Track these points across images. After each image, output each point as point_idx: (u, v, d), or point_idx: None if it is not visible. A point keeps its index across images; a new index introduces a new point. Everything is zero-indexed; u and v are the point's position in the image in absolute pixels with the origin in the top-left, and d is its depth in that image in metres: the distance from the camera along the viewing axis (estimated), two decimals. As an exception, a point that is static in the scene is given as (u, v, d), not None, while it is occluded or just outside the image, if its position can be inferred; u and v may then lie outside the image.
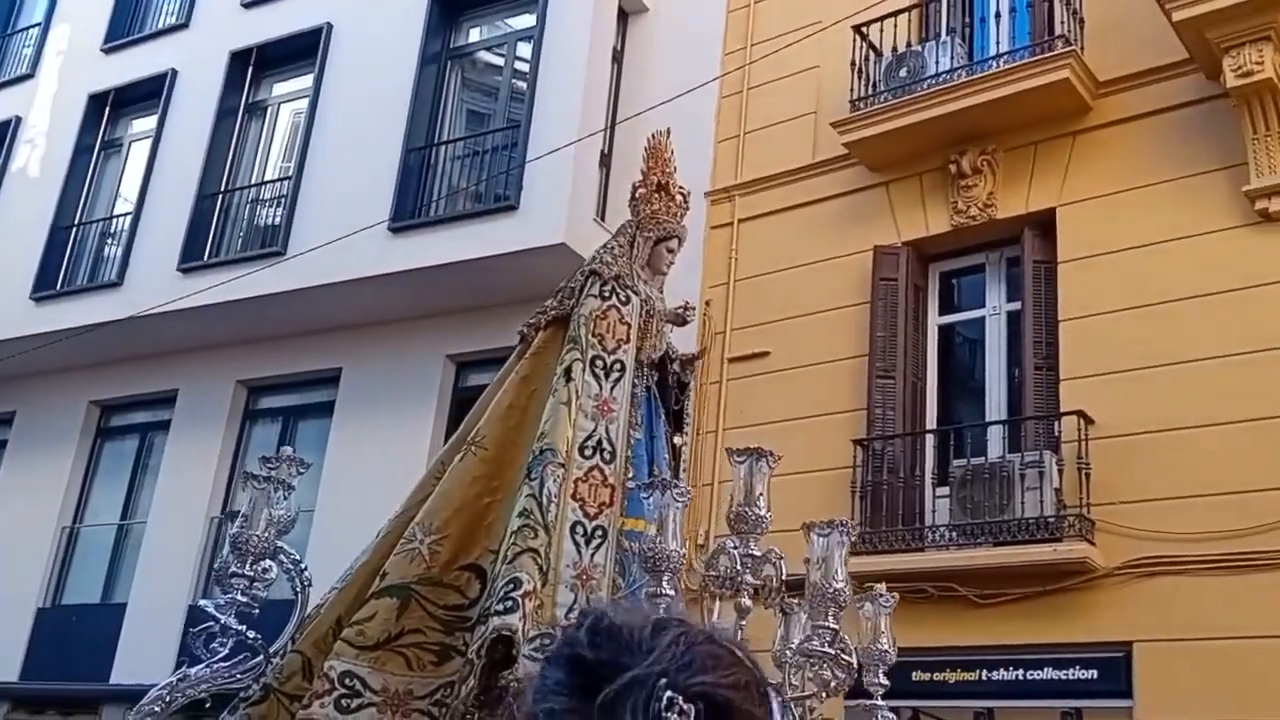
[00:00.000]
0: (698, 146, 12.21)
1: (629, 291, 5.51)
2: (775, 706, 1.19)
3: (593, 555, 4.89)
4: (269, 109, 15.08)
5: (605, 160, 12.50)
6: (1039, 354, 9.78)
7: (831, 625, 4.59)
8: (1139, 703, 8.43)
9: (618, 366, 5.32)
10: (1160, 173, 9.54)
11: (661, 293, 5.86)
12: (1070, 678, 8.79)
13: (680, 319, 5.95)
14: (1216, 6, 8.72)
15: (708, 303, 11.70)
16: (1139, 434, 8.97)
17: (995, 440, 9.92)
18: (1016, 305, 10.24)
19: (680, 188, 5.88)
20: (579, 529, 4.91)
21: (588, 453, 5.08)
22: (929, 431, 10.33)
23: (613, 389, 5.26)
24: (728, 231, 11.84)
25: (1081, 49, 9.96)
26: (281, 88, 15.08)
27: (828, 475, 10.02)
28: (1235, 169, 9.17)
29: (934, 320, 10.85)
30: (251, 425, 14.17)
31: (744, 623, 4.43)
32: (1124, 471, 8.87)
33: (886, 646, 4.99)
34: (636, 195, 5.86)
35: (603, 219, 12.40)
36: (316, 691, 4.67)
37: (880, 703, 5.01)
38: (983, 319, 10.68)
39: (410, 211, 12.61)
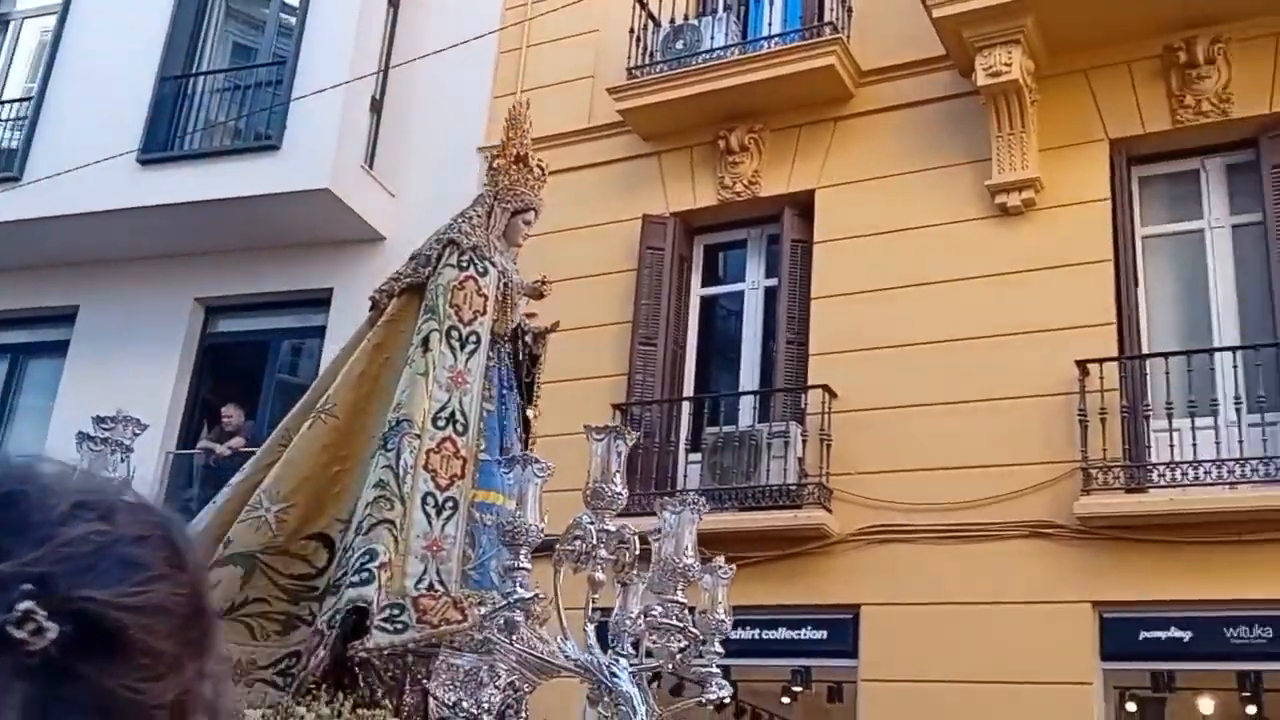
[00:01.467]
0: (474, 101, 12.04)
1: (487, 263, 5.45)
2: (214, 650, 0.87)
3: (443, 526, 4.82)
4: (12, 23, 13.99)
5: (376, 106, 12.16)
6: (791, 329, 10.16)
7: (680, 599, 4.68)
8: (863, 661, 8.94)
9: (473, 338, 5.25)
10: (912, 162, 10.03)
11: (516, 264, 5.80)
12: (802, 638, 9.22)
13: (537, 292, 5.91)
14: (972, 7, 9.21)
15: (475, 260, 11.61)
16: (878, 409, 9.45)
17: (747, 410, 10.26)
18: (774, 281, 10.59)
19: (539, 161, 5.83)
20: (430, 500, 4.83)
21: (440, 424, 5.00)
22: (685, 399, 10.58)
23: (467, 361, 5.19)
24: (499, 189, 11.73)
25: (848, 37, 10.34)
26: (27, 1, 14.01)
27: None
28: (980, 164, 9.74)
29: (696, 291, 11.10)
30: (-26, 362, 13.15)
31: (596, 596, 4.48)
32: (862, 443, 9.33)
33: (723, 616, 5.06)
34: (495, 166, 5.78)
35: (370, 166, 12.07)
36: None
37: (715, 670, 5.01)
38: (742, 293, 10.99)
39: (162, 144, 11.93)
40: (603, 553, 4.46)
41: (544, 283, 5.92)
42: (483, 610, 4.60)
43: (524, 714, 4.93)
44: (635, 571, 4.72)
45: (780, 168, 10.59)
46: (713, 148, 10.81)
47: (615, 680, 4.24)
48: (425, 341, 5.10)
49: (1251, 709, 10.80)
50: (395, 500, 4.64)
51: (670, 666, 4.80)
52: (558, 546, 4.54)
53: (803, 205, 10.44)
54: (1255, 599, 8.00)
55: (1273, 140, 8.99)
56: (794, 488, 9.31)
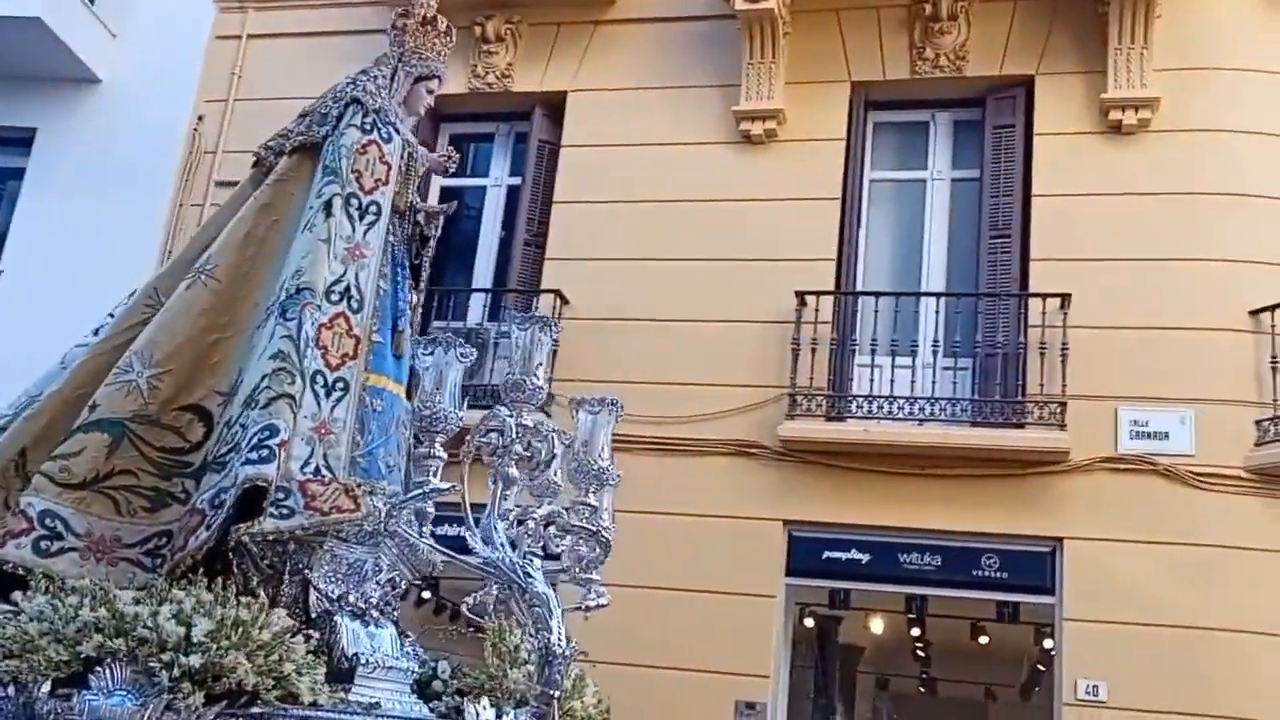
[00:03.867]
0: (214, -54, 11.17)
1: (391, 129, 4.99)
2: None
3: (332, 409, 4.44)
4: None
5: (105, -65, 11.09)
6: (530, 231, 10.06)
7: (592, 502, 4.50)
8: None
9: (374, 208, 4.81)
10: (666, 77, 10.04)
11: (416, 134, 5.35)
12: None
13: (442, 167, 5.51)
14: (738, -70, 9.25)
15: (201, 118, 10.86)
16: (607, 319, 9.51)
17: (477, 307, 10.12)
18: (518, 180, 10.43)
19: (447, 24, 5.36)
20: (320, 379, 4.43)
21: (334, 298, 4.57)
22: (415, 289, 10.31)
23: (366, 233, 4.75)
24: (234, 45, 11.00)
25: (616, -60, 10.18)
26: None
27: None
28: (730, 89, 9.85)
29: (437, 182, 10.78)
30: None
31: (509, 493, 4.31)
32: (589, 351, 9.38)
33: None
34: (399, 26, 5.28)
35: (93, 2, 11.03)
36: (10, 530, 4.08)
37: (592, 504, 4.64)
38: (485, 188, 10.78)
39: None
40: (518, 448, 4.29)
41: (449, 158, 5.52)
42: (374, 499, 4.34)
43: (396, 611, 4.70)
44: (553, 471, 4.51)
45: (535, 65, 10.38)
46: (468, 34, 10.44)
47: (530, 580, 4.06)
48: (328, 206, 4.67)
49: (915, 630, 11.81)
50: (296, 374, 4.26)
51: (575, 571, 4.57)
52: (470, 439, 4.30)
53: (554, 106, 10.29)
54: (928, 528, 8.63)
55: (998, 102, 9.52)
56: (515, 389, 9.27)
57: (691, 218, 9.67)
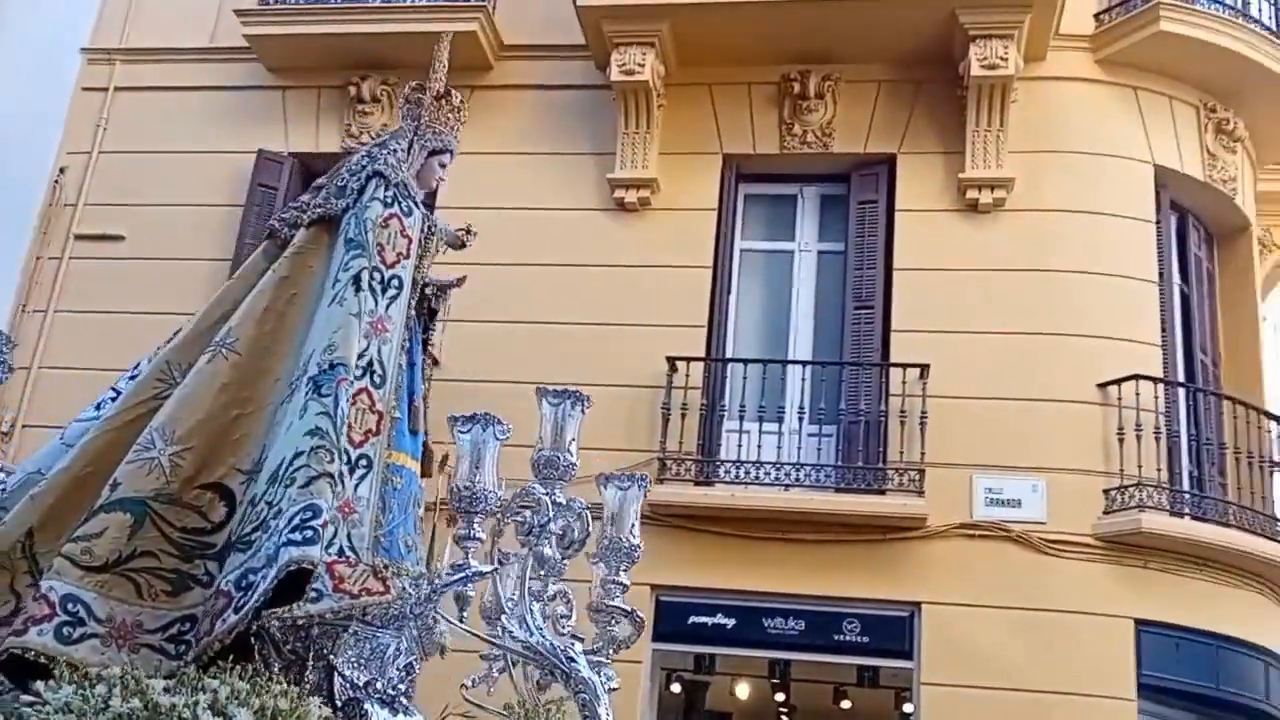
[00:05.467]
0: (81, -4, 10.98)
1: (411, 202, 4.89)
2: None
3: (356, 486, 4.27)
4: None
5: (-36, -20, 10.80)
6: (401, 291, 9.99)
7: (624, 580, 4.40)
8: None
9: (395, 282, 4.70)
10: (542, 144, 10.15)
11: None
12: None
13: (460, 242, 5.33)
14: (614, 2, 9.45)
15: (63, 169, 10.58)
16: (477, 381, 9.42)
17: (345, 367, 9.98)
18: (390, 240, 10.35)
19: (461, 99, 5.30)
20: (344, 456, 4.26)
21: (357, 373, 4.42)
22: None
23: (388, 307, 4.63)
24: (101, 97, 10.78)
25: (494, 8, 10.30)
26: None
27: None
28: (605, 157, 10.00)
29: (308, 239, 10.67)
30: None
31: (544, 573, 4.20)
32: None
33: (637, 541, 4.55)
34: (413, 100, 5.20)
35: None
36: (33, 615, 3.84)
37: (624, 582, 4.54)
38: (356, 247, 10.68)
39: None
40: (553, 527, 4.17)
41: (468, 232, 5.37)
42: (400, 580, 4.17)
43: (414, 694, 4.52)
44: (586, 550, 4.39)
45: (410, 126, 10.36)
46: (343, 93, 10.45)
47: (573, 665, 3.97)
48: (356, 280, 4.55)
49: (780, 695, 11.87)
50: (335, 453, 4.10)
51: (609, 652, 4.43)
52: (502, 517, 4.18)
53: (428, 169, 10.28)
54: (792, 593, 8.73)
55: (862, 178, 9.84)
56: (381, 451, 9.15)
57: (565, 282, 9.74)
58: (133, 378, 4.72)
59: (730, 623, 8.85)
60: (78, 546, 4.03)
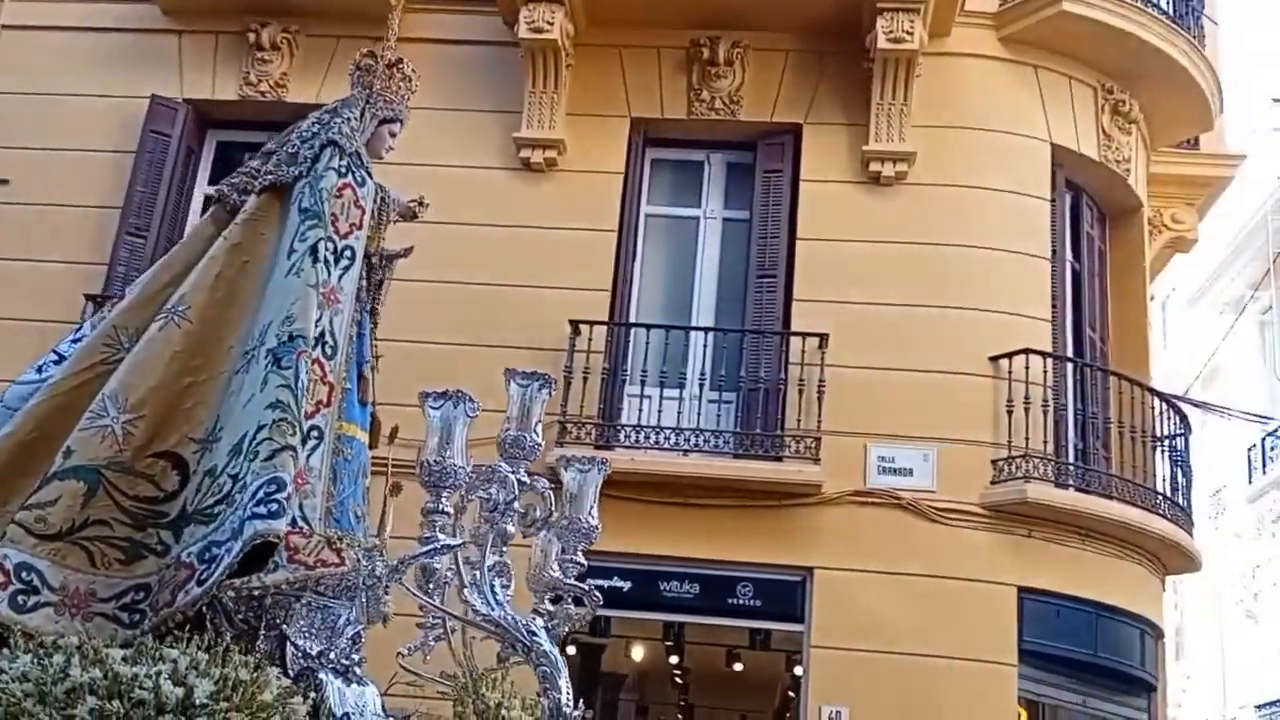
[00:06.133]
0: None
1: (364, 173, 4.85)
2: None
3: (308, 458, 4.23)
4: None
5: None
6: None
7: (581, 560, 4.48)
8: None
9: (348, 253, 4.66)
10: (447, 99, 9.91)
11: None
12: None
13: (412, 213, 5.34)
14: (523, -42, 9.31)
15: (-59, 109, 10.13)
16: (377, 340, 9.29)
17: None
18: (288, 192, 10.13)
19: (412, 68, 5.27)
20: None
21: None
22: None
23: (340, 278, 4.59)
24: (-16, 34, 10.31)
25: (401, -42, 10.06)
26: None
27: (49, 327, 9.14)
28: (511, 115, 9.87)
29: (202, 187, 10.38)
30: None
31: (505, 548, 4.22)
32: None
33: (595, 521, 4.61)
34: (364, 67, 5.16)
35: None
36: None
37: (581, 561, 4.61)
38: (252, 199, 10.43)
39: None
40: (517, 505, 4.19)
41: (420, 204, 5.39)
42: (358, 553, 4.15)
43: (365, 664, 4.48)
44: (546, 527, 4.44)
45: (312, 76, 10.13)
46: (242, 39, 10.14)
47: (535, 639, 4.01)
48: (313, 250, 4.51)
49: (674, 659, 12.00)
50: (296, 425, 4.08)
51: (569, 628, 4.53)
52: (465, 494, 4.18)
53: (328, 120, 10.05)
54: (688, 557, 8.81)
55: (769, 147, 9.87)
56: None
57: (468, 242, 9.61)
58: (75, 340, 4.67)
59: (626, 585, 8.89)
60: (31, 514, 4.01)
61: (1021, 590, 8.74)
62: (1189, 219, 11.89)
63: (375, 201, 5.02)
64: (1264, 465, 20.67)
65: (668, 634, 10.58)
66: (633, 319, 9.58)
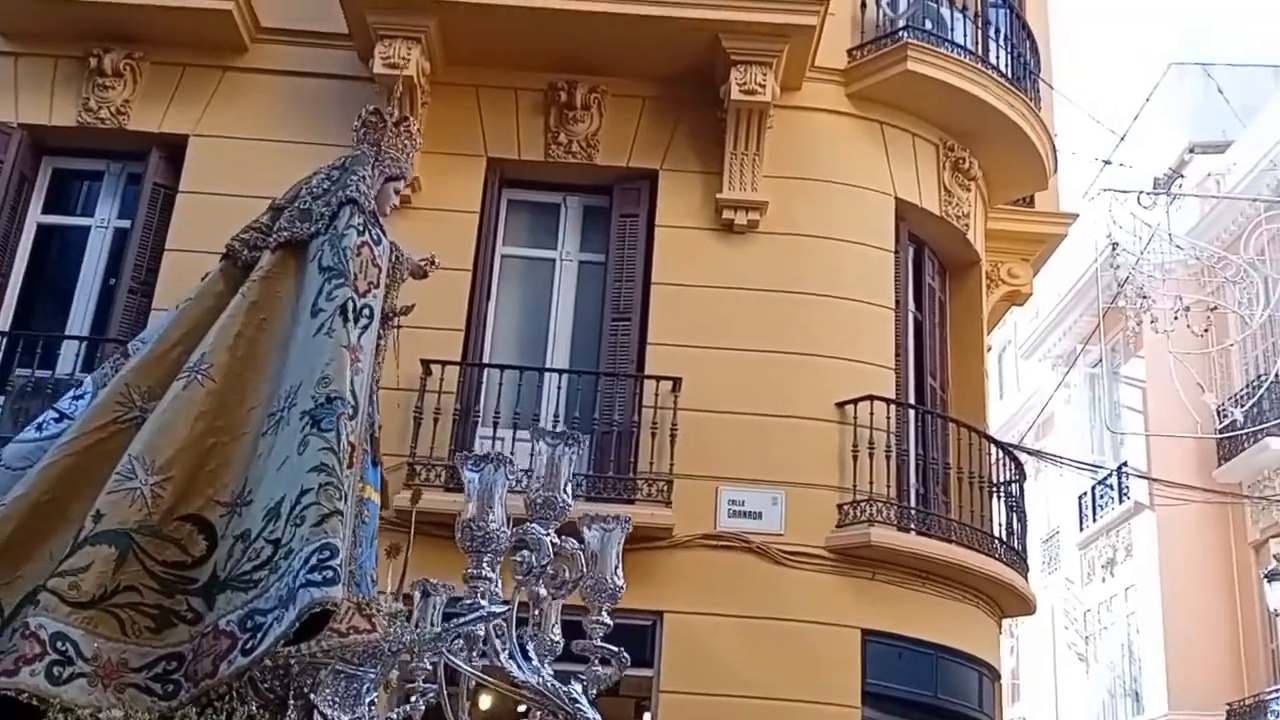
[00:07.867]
0: None
1: (380, 231, 4.80)
2: None
3: None
4: None
5: None
6: (137, 277, 9.48)
7: (607, 620, 4.34)
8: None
9: (367, 312, 4.61)
10: (297, 132, 9.72)
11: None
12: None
13: (423, 272, 5.35)
14: (376, -7, 9.23)
15: None
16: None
17: (70, 357, 9.34)
18: (127, 223, 9.80)
19: (416, 126, 5.35)
20: None
21: None
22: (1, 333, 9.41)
23: (360, 336, 4.50)
24: None
25: (253, -10, 9.88)
26: None
27: None
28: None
29: (35, 216, 9.96)
30: None
31: (538, 611, 4.18)
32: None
33: (621, 582, 4.43)
34: (371, 124, 5.09)
35: None
36: (24, 654, 3.65)
37: (607, 621, 4.42)
38: (89, 228, 10.04)
39: None
40: (550, 569, 4.04)
41: (431, 262, 5.42)
42: (384, 619, 4.11)
43: None
44: (572, 588, 4.24)
45: (155, 104, 9.82)
46: (82, 64, 9.78)
47: (578, 707, 3.94)
48: (343, 310, 4.45)
49: (522, 706, 11.78)
50: (341, 490, 4.01)
51: (597, 690, 4.34)
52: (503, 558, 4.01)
53: (173, 148, 9.77)
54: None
55: (625, 191, 9.95)
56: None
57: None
58: (77, 398, 4.55)
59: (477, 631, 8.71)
60: (64, 581, 3.88)
61: (865, 633, 8.89)
62: (1024, 274, 12.40)
63: (390, 260, 5.03)
64: (1094, 513, 21.58)
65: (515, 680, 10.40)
66: (486, 359, 9.49)
